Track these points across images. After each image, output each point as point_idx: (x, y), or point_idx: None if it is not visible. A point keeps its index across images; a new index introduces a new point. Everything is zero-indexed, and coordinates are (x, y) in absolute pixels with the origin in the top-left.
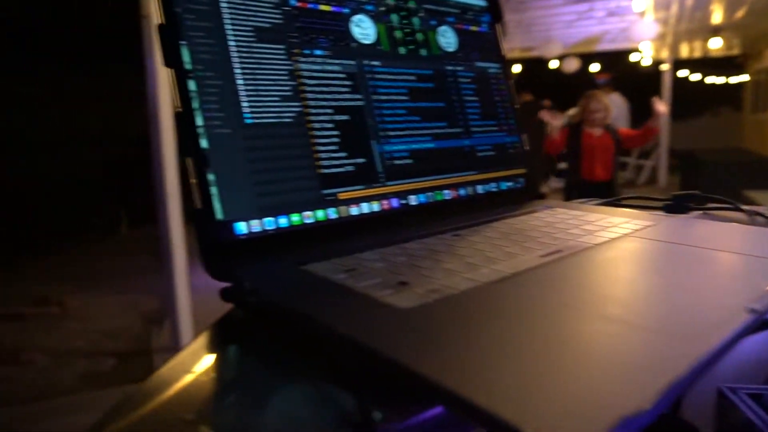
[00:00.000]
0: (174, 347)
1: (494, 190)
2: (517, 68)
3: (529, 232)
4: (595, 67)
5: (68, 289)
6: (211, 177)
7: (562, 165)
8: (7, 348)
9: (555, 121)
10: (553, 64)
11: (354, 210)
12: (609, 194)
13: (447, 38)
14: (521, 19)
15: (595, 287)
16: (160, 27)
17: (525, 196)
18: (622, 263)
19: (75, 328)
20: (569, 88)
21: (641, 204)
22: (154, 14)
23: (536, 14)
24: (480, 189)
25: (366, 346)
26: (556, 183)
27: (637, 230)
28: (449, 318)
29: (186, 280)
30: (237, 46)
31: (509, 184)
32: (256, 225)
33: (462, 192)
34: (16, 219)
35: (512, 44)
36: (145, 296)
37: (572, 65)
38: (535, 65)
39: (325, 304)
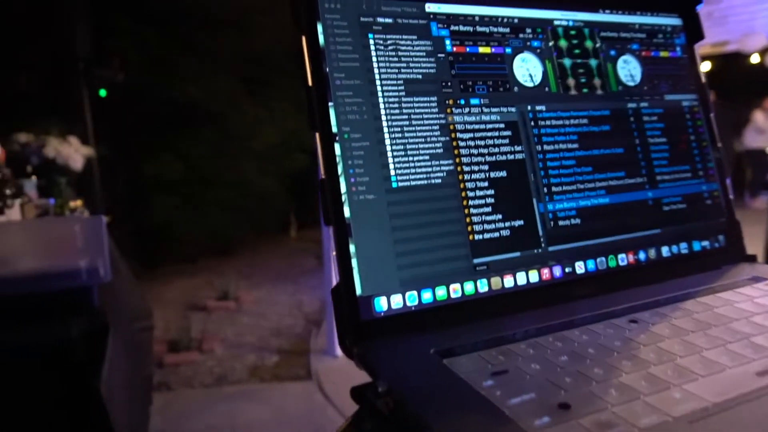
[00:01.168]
0: (328, 351)
1: (685, 252)
2: (705, 66)
3: (734, 324)
4: None
5: (244, 286)
6: (352, 248)
7: None
8: (195, 336)
9: None
10: (754, 59)
11: (509, 281)
12: None
13: (629, 69)
14: (713, 11)
15: None
16: (308, 89)
17: (726, 260)
18: None
19: (247, 323)
20: None
21: None
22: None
23: (735, 3)
24: (666, 251)
25: None
26: (760, 203)
27: None
28: None
29: None
30: (385, 102)
31: (705, 243)
32: (397, 301)
33: (642, 256)
34: (205, 223)
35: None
36: (309, 297)
37: None
38: (729, 61)
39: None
